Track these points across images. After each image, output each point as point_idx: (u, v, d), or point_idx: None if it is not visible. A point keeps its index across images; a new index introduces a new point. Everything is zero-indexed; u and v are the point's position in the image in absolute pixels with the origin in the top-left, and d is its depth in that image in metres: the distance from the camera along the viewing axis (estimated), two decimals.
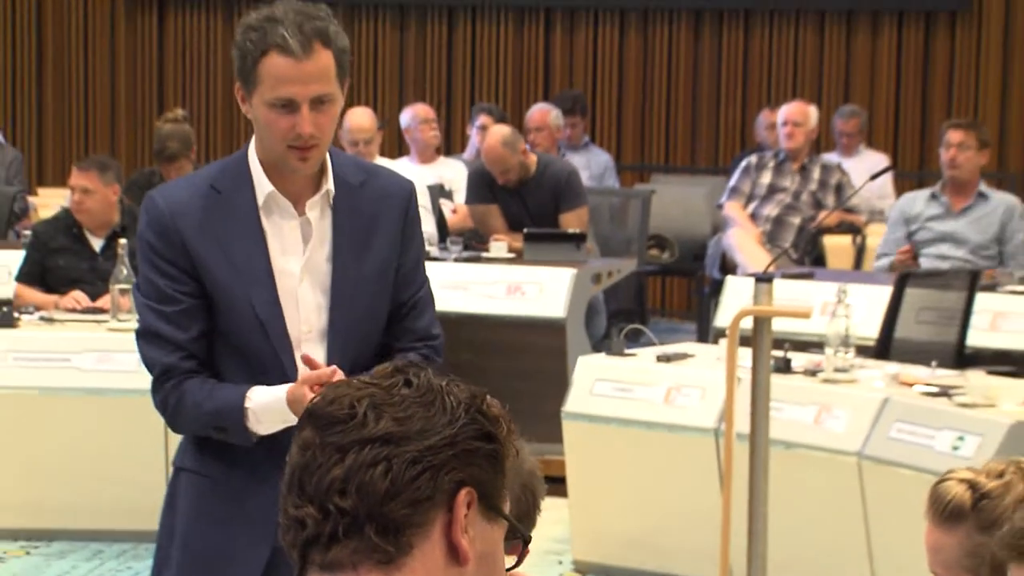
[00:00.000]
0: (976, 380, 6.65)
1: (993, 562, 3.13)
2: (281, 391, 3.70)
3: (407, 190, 3.97)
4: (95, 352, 7.82)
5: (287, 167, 3.77)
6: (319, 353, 3.82)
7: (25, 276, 8.55)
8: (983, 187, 9.05)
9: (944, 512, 3.29)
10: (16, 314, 8.04)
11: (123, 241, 8.19)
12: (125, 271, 8.03)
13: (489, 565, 2.04)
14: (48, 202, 10.26)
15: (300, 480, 1.97)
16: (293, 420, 3.48)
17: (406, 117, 10.79)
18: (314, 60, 3.70)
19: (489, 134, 9.90)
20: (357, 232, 3.87)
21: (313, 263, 3.85)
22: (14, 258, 8.76)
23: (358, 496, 1.95)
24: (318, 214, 3.85)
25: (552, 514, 7.63)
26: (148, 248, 3.85)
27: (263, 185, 3.81)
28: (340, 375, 3.62)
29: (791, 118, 10.08)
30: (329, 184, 3.83)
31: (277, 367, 3.80)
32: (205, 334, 3.83)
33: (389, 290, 3.92)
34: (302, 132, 3.68)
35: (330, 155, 3.86)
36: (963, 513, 3.26)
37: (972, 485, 3.28)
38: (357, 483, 1.95)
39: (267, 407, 3.73)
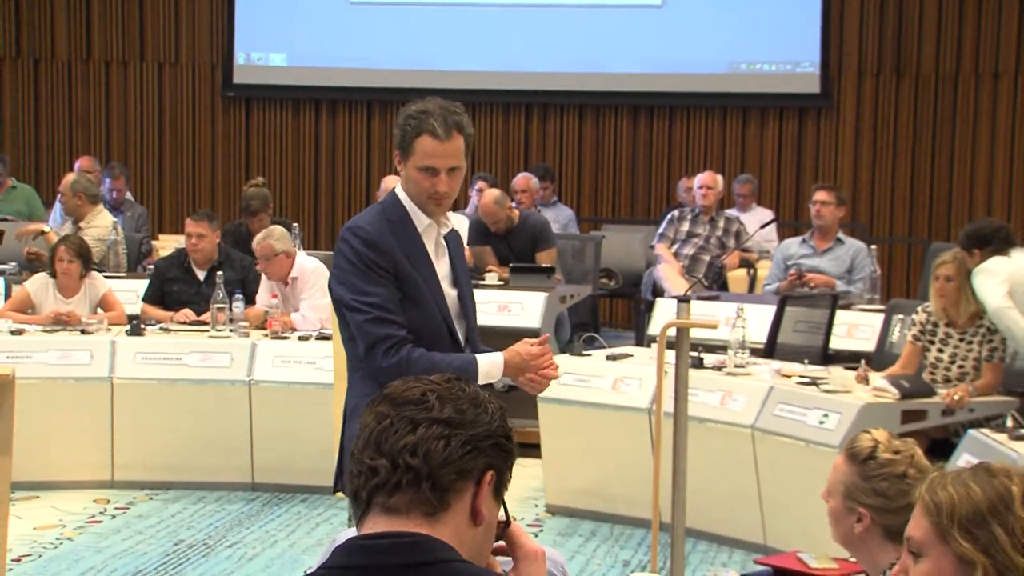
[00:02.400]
0: (837, 373, 6.65)
1: (851, 496, 3.15)
2: (499, 356, 4.01)
3: (459, 235, 4.30)
4: (199, 353, 7.81)
5: (426, 209, 4.04)
6: (462, 328, 4.11)
7: (149, 298, 8.55)
8: (840, 234, 9.05)
9: (849, 448, 3.28)
10: (142, 326, 8.04)
11: (220, 273, 8.19)
12: (221, 295, 8.03)
13: (489, 531, 2.06)
14: (165, 244, 10.24)
15: (377, 440, 1.97)
16: (496, 378, 3.99)
17: None
18: (452, 142, 3.97)
19: (484, 195, 9.92)
20: (459, 258, 4.20)
21: (445, 270, 4.11)
22: (141, 285, 8.78)
23: (424, 459, 1.95)
24: (443, 242, 4.13)
25: (530, 471, 7.64)
26: (362, 260, 3.98)
27: (421, 217, 4.05)
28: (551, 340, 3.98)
29: (704, 183, 10.06)
30: (450, 224, 4.15)
31: (445, 336, 4.02)
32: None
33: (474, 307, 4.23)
34: (439, 190, 3.97)
35: None
36: (856, 457, 3.25)
37: (875, 445, 3.26)
38: (424, 449, 1.95)
39: (490, 367, 3.99)
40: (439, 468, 1.95)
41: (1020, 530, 2.12)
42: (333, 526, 7.07)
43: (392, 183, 10.00)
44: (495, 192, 9.90)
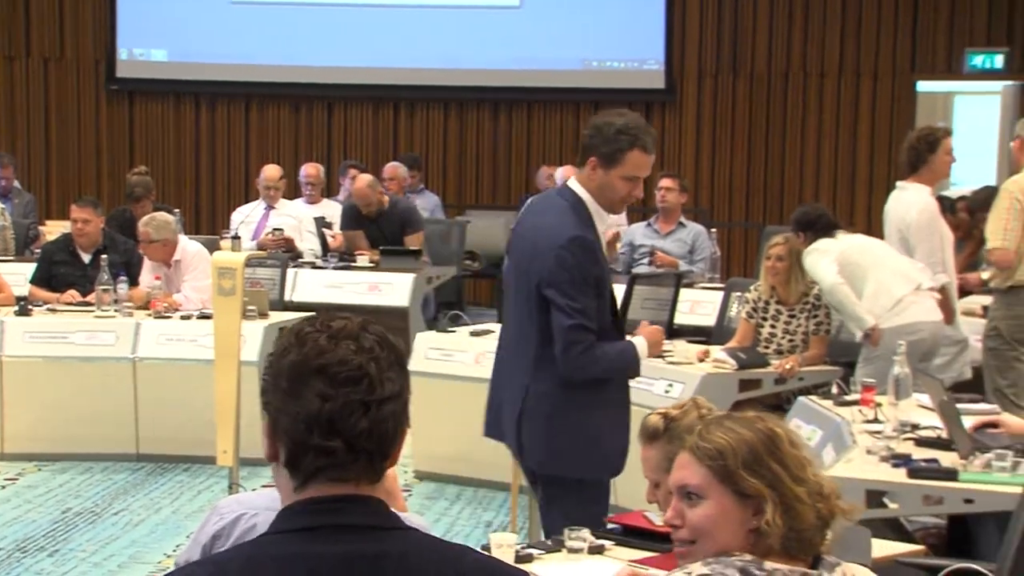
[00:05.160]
0: (681, 346, 6.71)
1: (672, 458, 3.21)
2: (643, 340, 4.33)
3: None
4: (85, 332, 7.66)
5: (613, 210, 4.28)
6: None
7: (36, 280, 8.35)
8: (683, 218, 9.13)
9: (647, 434, 3.36)
10: (30, 307, 7.86)
11: (104, 256, 8.05)
12: (106, 276, 7.89)
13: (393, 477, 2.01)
14: (52, 230, 9.99)
15: (329, 421, 1.85)
16: (646, 357, 4.31)
17: (301, 173, 10.67)
18: (653, 156, 4.24)
19: (358, 180, 9.86)
20: None
21: None
22: (29, 268, 8.58)
23: (378, 441, 1.88)
24: None
25: None
26: (579, 269, 4.14)
27: (602, 216, 4.25)
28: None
29: (563, 173, 10.09)
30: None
31: (611, 321, 4.26)
32: None
33: None
34: (637, 195, 4.22)
35: None
36: (658, 433, 3.31)
37: (664, 415, 3.37)
38: (379, 432, 1.87)
39: (641, 348, 4.31)
40: (389, 444, 1.90)
41: (793, 465, 2.21)
42: (215, 493, 6.99)
43: (270, 172, 9.93)
44: (368, 177, 9.85)
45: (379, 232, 9.61)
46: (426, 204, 11.35)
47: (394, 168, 10.97)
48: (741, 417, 2.30)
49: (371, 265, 9.24)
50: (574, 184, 4.25)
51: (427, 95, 13.27)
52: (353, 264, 9.31)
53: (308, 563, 1.81)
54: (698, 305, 8.19)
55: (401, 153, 12.63)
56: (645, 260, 8.81)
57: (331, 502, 1.86)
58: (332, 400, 1.86)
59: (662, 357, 4.23)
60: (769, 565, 2.16)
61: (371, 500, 1.88)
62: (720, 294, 8.02)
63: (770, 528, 2.19)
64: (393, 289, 8.94)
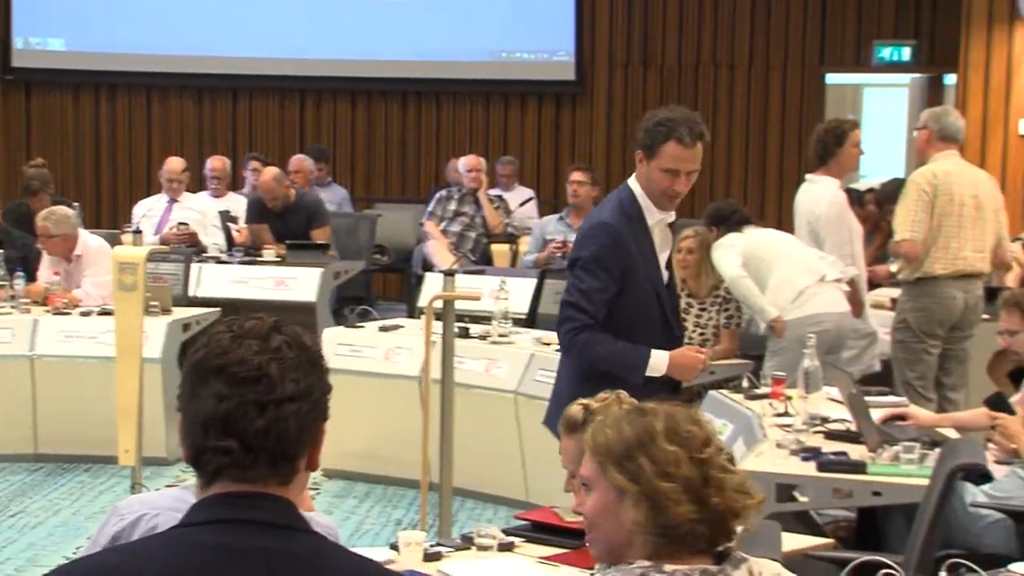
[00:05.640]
0: None
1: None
2: (666, 355, 4.26)
3: None
4: None
5: (661, 204, 4.29)
6: (672, 309, 4.42)
7: None
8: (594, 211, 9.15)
9: (567, 425, 3.38)
10: None
11: (0, 251, 7.92)
12: (1, 272, 7.78)
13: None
14: None
15: (224, 422, 1.84)
16: (659, 373, 4.23)
17: (207, 166, 10.56)
18: (695, 149, 4.25)
19: (264, 173, 9.80)
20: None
21: (663, 259, 4.38)
22: None
23: (277, 440, 1.86)
24: (667, 232, 4.39)
25: None
26: (596, 255, 4.25)
27: (652, 212, 4.29)
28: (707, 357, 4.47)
29: (473, 165, 10.09)
30: (673, 215, 4.36)
31: (658, 321, 4.31)
32: (607, 313, 4.26)
33: None
34: (677, 189, 4.25)
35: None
36: (578, 424, 3.32)
37: (585, 407, 3.38)
38: (276, 431, 1.85)
39: (656, 362, 4.23)
40: (292, 445, 1.88)
41: (663, 460, 2.23)
42: (116, 494, 6.89)
43: (174, 165, 9.79)
44: (274, 170, 9.79)
45: (285, 226, 9.54)
46: (333, 197, 11.29)
47: (300, 161, 10.89)
48: (639, 409, 2.33)
49: (277, 260, 9.17)
50: (632, 178, 4.35)
51: (335, 86, 13.19)
52: (259, 259, 9.24)
53: (223, 553, 1.80)
54: None
55: (308, 145, 12.54)
56: (559, 254, 8.85)
57: (239, 498, 1.85)
58: (227, 400, 1.85)
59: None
60: (669, 568, 2.18)
61: (280, 499, 1.87)
62: None
63: (634, 524, 2.22)
64: (300, 284, 8.89)
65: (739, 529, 2.25)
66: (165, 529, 1.93)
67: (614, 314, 4.28)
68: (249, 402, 1.85)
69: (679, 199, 4.33)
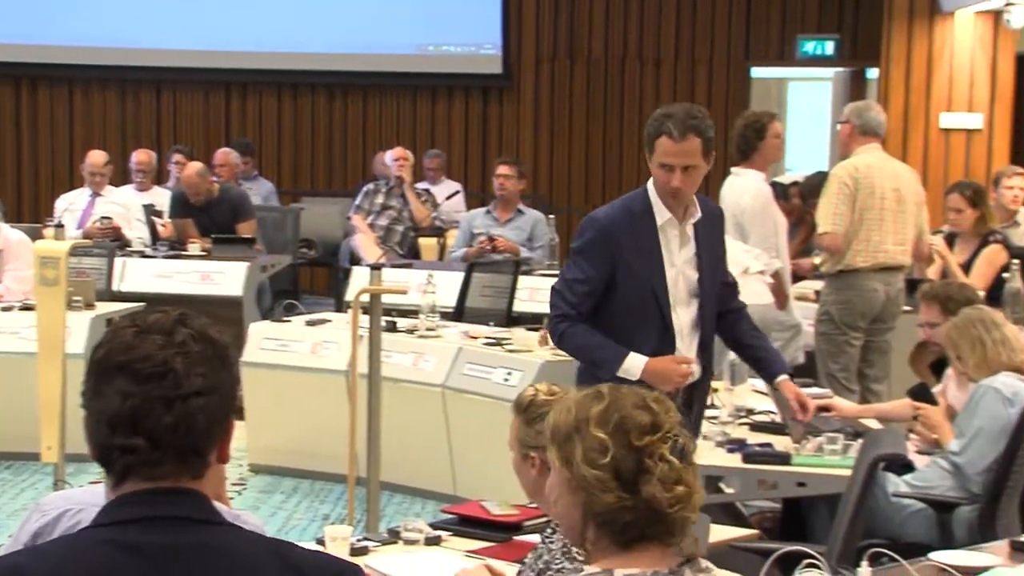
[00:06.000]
0: (519, 334, 6.77)
1: (524, 444, 3.22)
2: (643, 360, 4.20)
3: (722, 217, 4.59)
4: None
5: (668, 204, 4.25)
6: (688, 313, 4.32)
7: None
8: (521, 205, 9.19)
9: (515, 405, 3.35)
10: None
11: None
12: None
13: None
14: None
15: (131, 420, 1.83)
16: (634, 377, 4.12)
17: (132, 159, 10.47)
18: (687, 143, 4.16)
19: (187, 168, 9.74)
20: (708, 242, 4.35)
21: (684, 259, 4.30)
22: None
23: (186, 435, 1.84)
24: (690, 230, 4.30)
25: (235, 432, 7.52)
26: (583, 246, 4.31)
27: (663, 212, 4.27)
28: (695, 369, 4.32)
29: (399, 155, 10.07)
30: (698, 214, 4.30)
31: (654, 318, 4.26)
32: (592, 306, 4.27)
33: (720, 280, 4.43)
34: (673, 185, 4.18)
35: (696, 197, 4.34)
36: (519, 407, 3.31)
37: (535, 393, 3.34)
38: (185, 427, 1.84)
39: (631, 366, 4.19)
40: (201, 440, 1.87)
41: (590, 447, 2.22)
42: (39, 491, 6.81)
43: (96, 159, 9.69)
44: (197, 165, 9.73)
45: (210, 220, 9.48)
46: (260, 191, 11.24)
47: (226, 154, 10.82)
48: (595, 392, 2.31)
49: (202, 254, 9.11)
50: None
51: (260, 79, 13.11)
52: (184, 253, 9.17)
53: (130, 553, 1.79)
54: (537, 292, 8.23)
55: (233, 139, 12.46)
56: (489, 247, 8.86)
57: (149, 495, 1.84)
58: (133, 397, 1.84)
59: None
60: (619, 572, 2.17)
61: (192, 493, 1.86)
62: None
63: (568, 507, 2.23)
64: (226, 278, 8.83)
65: (683, 522, 2.20)
66: (78, 530, 1.92)
67: (605, 307, 4.28)
68: (155, 398, 1.84)
69: (682, 197, 4.24)
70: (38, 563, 1.80)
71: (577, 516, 2.24)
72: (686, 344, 4.32)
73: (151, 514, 1.83)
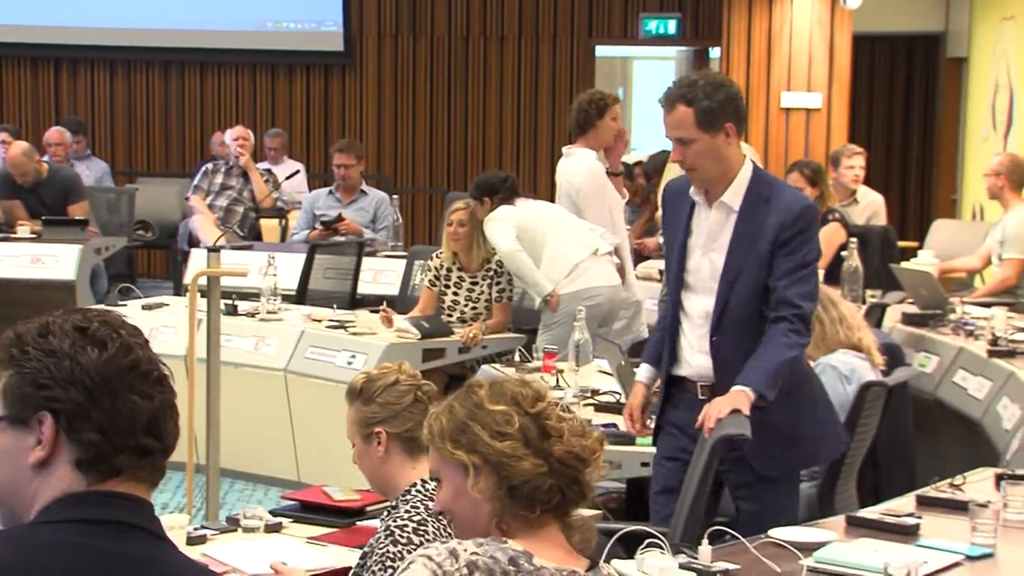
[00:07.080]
0: (363, 316, 6.74)
1: (365, 425, 3.21)
2: (638, 380, 4.26)
3: (794, 211, 3.94)
4: None
5: (691, 179, 4.04)
6: (705, 302, 3.99)
7: None
8: (364, 186, 9.13)
9: (347, 393, 3.34)
10: None
11: None
12: None
13: None
14: None
15: (150, 422, 1.85)
16: None
17: None
18: (673, 114, 3.94)
19: (12, 147, 9.54)
20: (749, 237, 3.93)
21: (716, 244, 3.98)
22: None
23: (173, 443, 1.90)
24: (723, 215, 3.98)
25: None
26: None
27: (696, 192, 4.01)
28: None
29: (239, 134, 9.91)
30: (728, 196, 3.95)
31: (674, 298, 4.06)
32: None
33: (764, 274, 3.92)
34: (675, 158, 4.02)
35: (752, 176, 3.99)
36: (352, 393, 3.30)
37: (366, 376, 3.34)
38: (176, 436, 1.91)
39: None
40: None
41: (494, 422, 2.27)
42: None
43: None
44: (23, 144, 9.52)
45: (39, 202, 9.27)
46: (93, 171, 11.01)
47: (60, 133, 10.58)
48: (468, 388, 2.35)
49: (32, 236, 8.89)
50: None
51: (92, 55, 12.82)
52: (13, 236, 8.94)
53: (87, 556, 1.75)
54: (381, 274, 8.22)
55: (65, 117, 12.17)
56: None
57: (126, 499, 1.82)
58: (150, 399, 1.83)
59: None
60: (537, 562, 2.19)
61: (151, 507, 1.85)
62: (403, 262, 8.07)
63: (483, 493, 2.25)
64: (58, 262, 8.63)
65: (589, 480, 2.28)
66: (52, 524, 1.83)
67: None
68: (168, 402, 1.86)
69: (694, 175, 3.99)
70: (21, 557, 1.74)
71: (489, 506, 2.25)
72: (696, 333, 4.04)
73: (123, 519, 1.80)
